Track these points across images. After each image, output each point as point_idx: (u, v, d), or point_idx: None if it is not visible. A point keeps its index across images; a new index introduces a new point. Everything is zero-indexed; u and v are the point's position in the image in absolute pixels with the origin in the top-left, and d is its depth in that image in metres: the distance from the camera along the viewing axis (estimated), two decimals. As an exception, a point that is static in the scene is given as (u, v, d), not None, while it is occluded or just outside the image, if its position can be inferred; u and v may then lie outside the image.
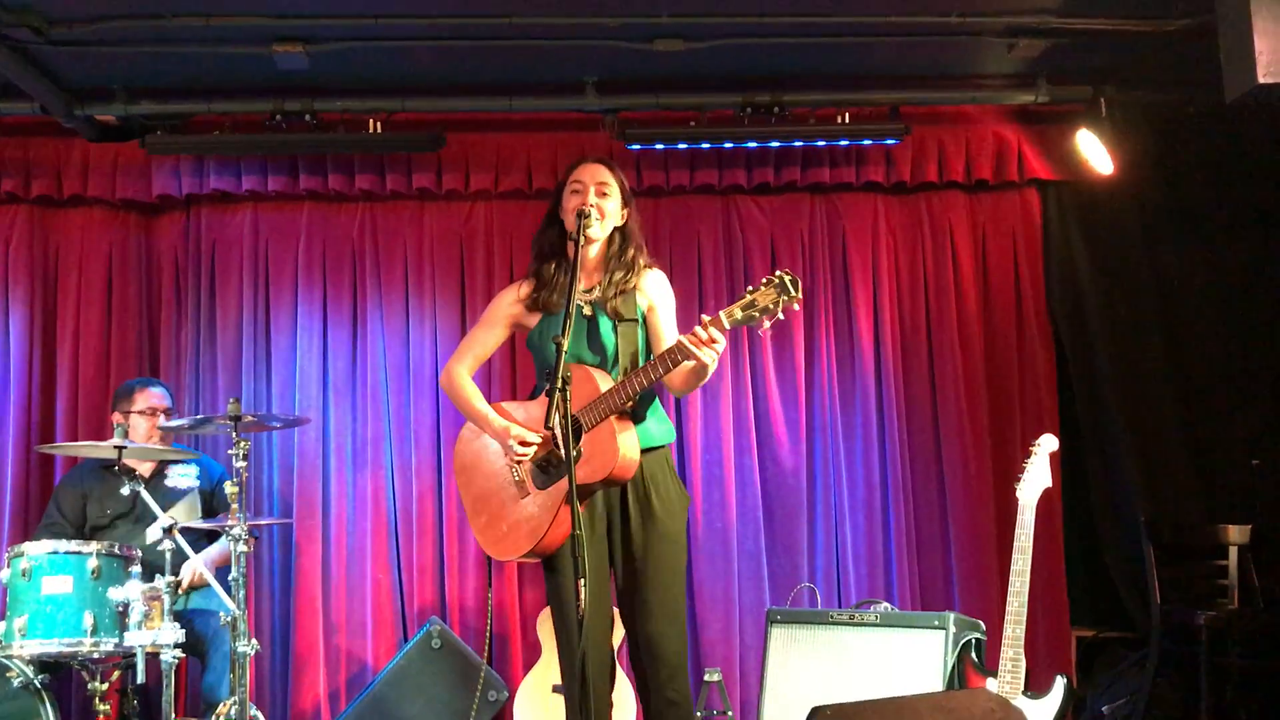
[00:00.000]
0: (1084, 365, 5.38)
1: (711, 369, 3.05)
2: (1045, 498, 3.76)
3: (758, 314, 2.94)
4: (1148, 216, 5.37)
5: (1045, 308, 5.40)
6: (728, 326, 2.97)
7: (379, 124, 4.99)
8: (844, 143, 5.13)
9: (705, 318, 2.98)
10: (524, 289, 3.41)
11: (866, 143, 5.14)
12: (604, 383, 3.15)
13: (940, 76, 5.06)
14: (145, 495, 3.85)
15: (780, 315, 2.93)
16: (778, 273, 2.93)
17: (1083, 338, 5.38)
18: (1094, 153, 5.07)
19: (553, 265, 3.35)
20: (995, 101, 5.18)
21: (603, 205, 3.26)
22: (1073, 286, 5.38)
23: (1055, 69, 4.97)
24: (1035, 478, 3.56)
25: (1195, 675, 4.73)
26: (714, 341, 2.97)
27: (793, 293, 2.91)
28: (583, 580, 2.76)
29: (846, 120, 5.01)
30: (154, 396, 4.52)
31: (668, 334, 3.31)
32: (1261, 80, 3.90)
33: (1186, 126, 5.11)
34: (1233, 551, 4.88)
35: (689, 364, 3.04)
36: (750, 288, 2.97)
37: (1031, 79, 5.02)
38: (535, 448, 3.20)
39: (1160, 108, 5.11)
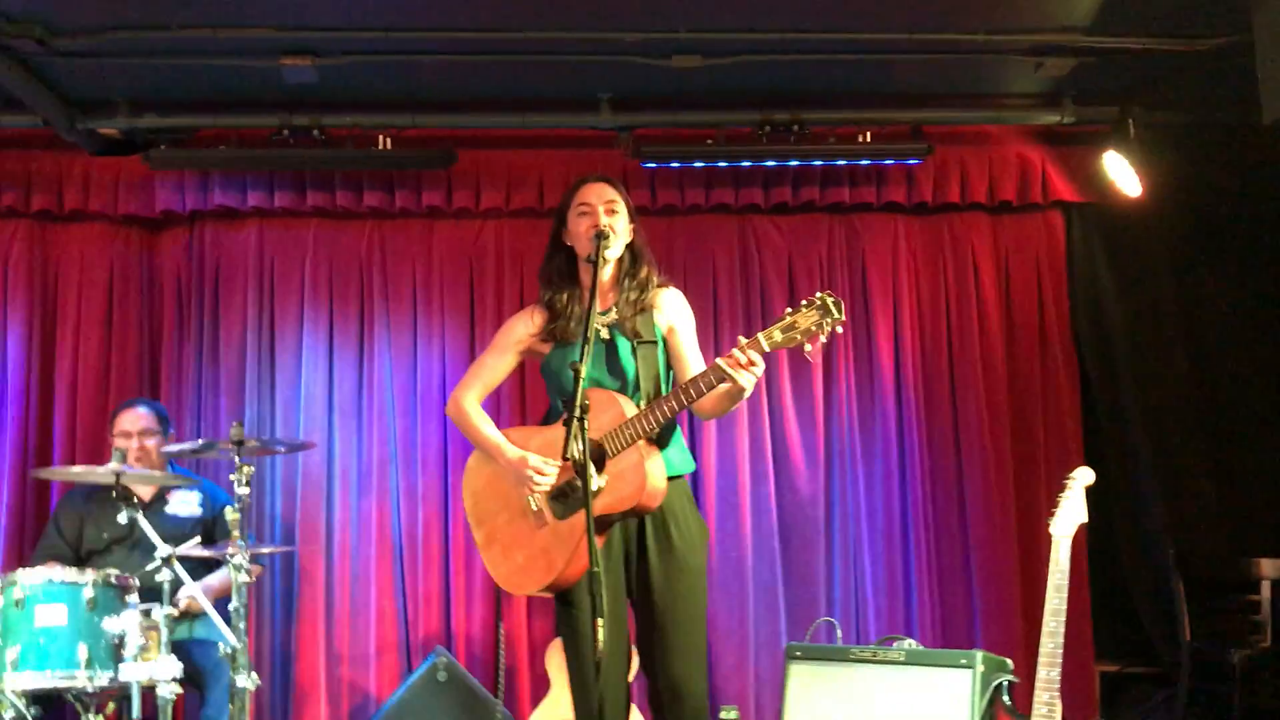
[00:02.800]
0: (1109, 392, 5.25)
1: (748, 393, 2.91)
2: (1073, 529, 3.62)
3: (799, 336, 2.81)
4: (1175, 240, 5.25)
5: (1069, 332, 5.28)
6: (766, 349, 2.83)
7: (388, 140, 4.88)
8: (864, 162, 5.01)
9: (743, 339, 2.85)
10: (537, 319, 3.27)
11: (888, 162, 5.03)
12: (628, 408, 3.02)
13: (964, 95, 4.96)
14: (143, 522, 3.72)
15: (823, 338, 2.81)
16: (819, 294, 2.82)
17: (1108, 363, 5.25)
18: (1121, 174, 4.95)
19: (565, 295, 3.22)
20: (1020, 121, 5.07)
21: (614, 224, 3.14)
22: (1098, 311, 5.26)
23: (1082, 88, 4.86)
24: (1070, 512, 3.41)
25: (1227, 715, 4.60)
26: (753, 364, 2.83)
27: (836, 315, 2.79)
28: (600, 620, 2.63)
29: (867, 139, 4.90)
30: (133, 418, 4.35)
31: (690, 356, 3.18)
32: (1303, 101, 3.79)
33: (1217, 148, 5.00)
34: (1265, 586, 4.76)
35: (723, 387, 2.90)
36: (789, 309, 2.84)
37: (1057, 98, 4.92)
38: (554, 477, 3.06)
39: (1191, 129, 5.00)
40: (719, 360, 2.86)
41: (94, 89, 4.67)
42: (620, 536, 3.10)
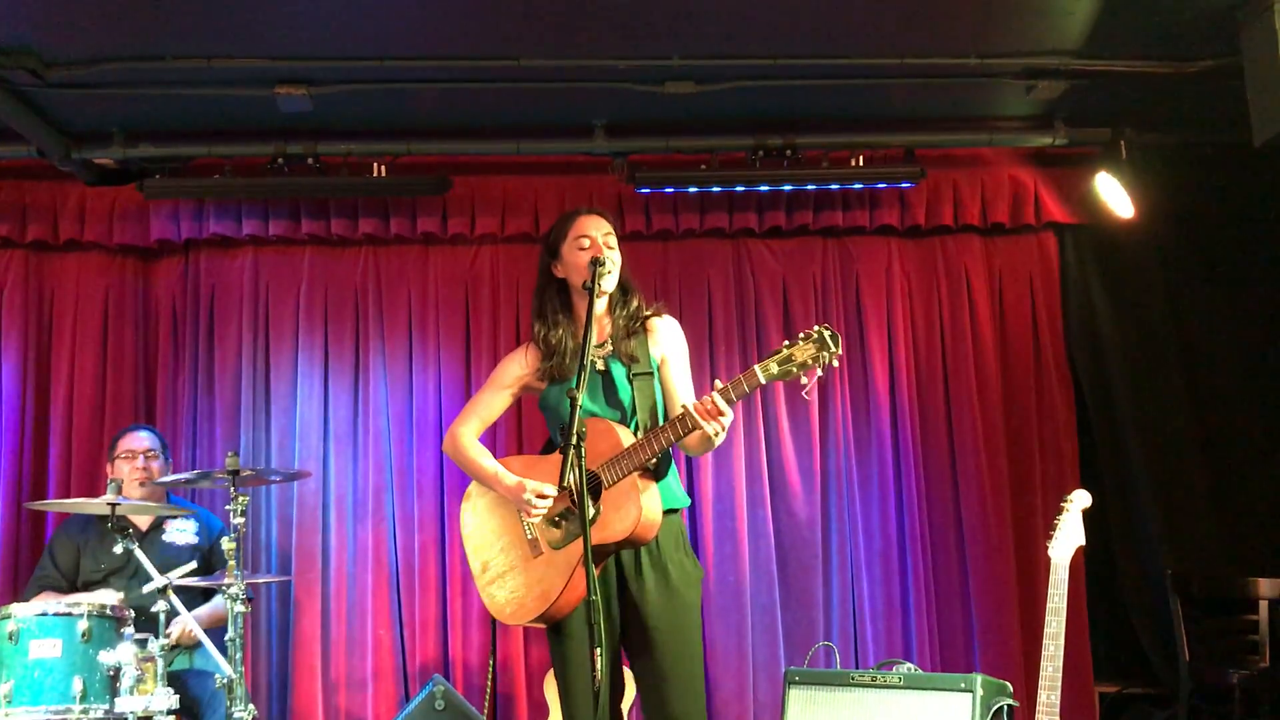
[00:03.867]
0: (1104, 412, 5.25)
1: (718, 440, 2.92)
2: (1070, 551, 3.61)
3: (795, 369, 2.82)
4: (1169, 261, 5.27)
5: (1064, 353, 5.29)
6: (763, 381, 2.84)
7: (383, 167, 4.89)
8: (857, 186, 5.03)
9: (719, 384, 2.87)
10: (531, 358, 3.28)
11: (881, 186, 5.04)
12: (625, 437, 3.02)
13: (956, 119, 4.98)
14: (139, 554, 3.70)
15: (820, 371, 2.81)
16: (816, 328, 2.82)
17: (1103, 384, 5.26)
18: (1113, 196, 4.97)
19: (559, 330, 3.22)
20: (1012, 144, 5.09)
21: (612, 257, 3.15)
22: (1092, 332, 5.27)
23: (1073, 111, 4.88)
24: (1067, 535, 3.42)
25: (1227, 736, 4.59)
26: (720, 414, 2.85)
27: (833, 348, 2.80)
28: (599, 649, 2.62)
29: (861, 163, 4.93)
30: (133, 440, 4.36)
31: (680, 387, 3.19)
32: (1292, 122, 3.81)
33: (1209, 169, 5.02)
34: (1263, 606, 4.75)
35: (696, 433, 2.91)
36: (787, 341, 2.85)
37: (1049, 121, 4.94)
38: (552, 501, 3.05)
39: (1182, 150, 5.02)
40: (687, 406, 2.88)
41: (89, 119, 4.68)
42: (614, 569, 3.09)
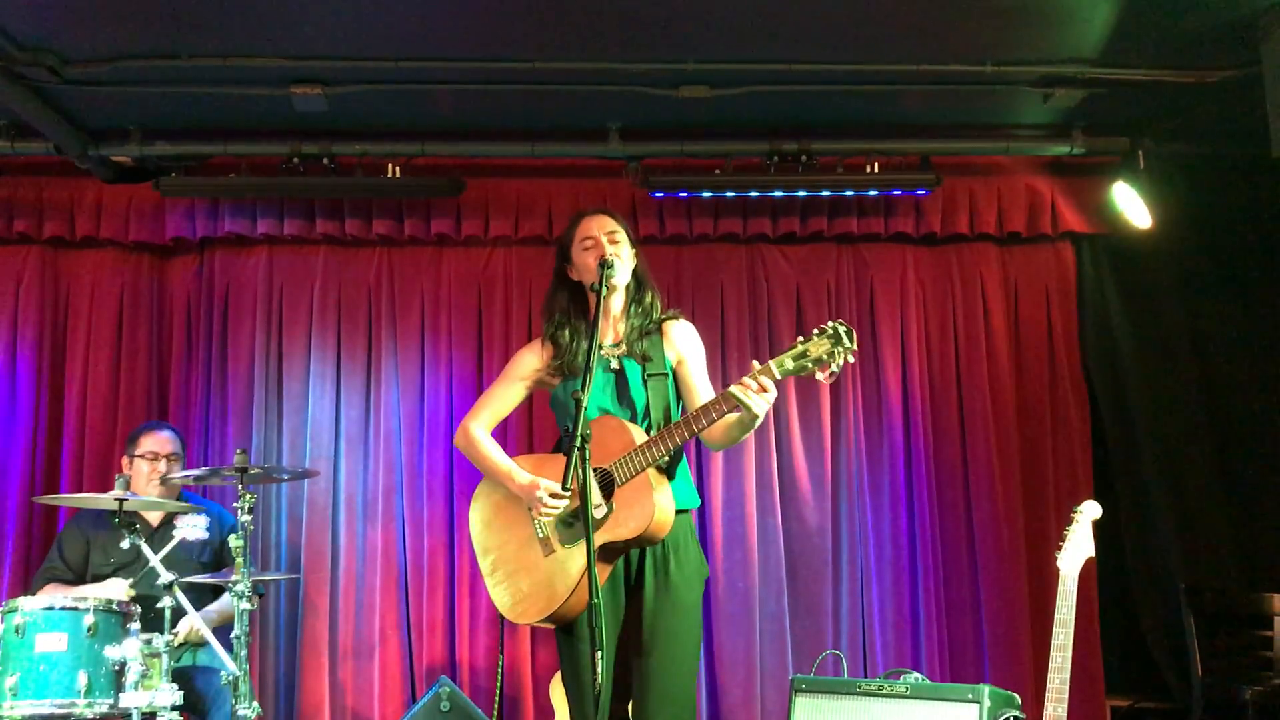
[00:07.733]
0: (1119, 424, 5.21)
1: (759, 420, 2.90)
2: (1082, 562, 3.58)
3: (810, 364, 2.81)
4: (1186, 272, 5.22)
5: (1079, 364, 5.24)
6: (778, 376, 2.83)
7: (397, 168, 4.90)
8: (873, 193, 5.00)
9: (756, 364, 2.85)
10: (546, 351, 3.28)
11: (896, 193, 5.02)
12: (638, 435, 3.01)
13: (972, 126, 4.94)
14: (146, 550, 3.71)
15: (835, 368, 2.80)
16: (831, 323, 2.82)
17: (1118, 396, 5.21)
18: (1131, 206, 4.94)
19: (567, 330, 3.23)
20: (1029, 153, 5.05)
21: (618, 252, 3.16)
22: (1108, 343, 5.23)
23: (1091, 120, 4.84)
24: (1077, 547, 3.38)
25: (1240, 753, 4.53)
26: (765, 390, 2.83)
27: (847, 343, 2.79)
28: (600, 652, 2.61)
29: (876, 170, 4.90)
30: (157, 441, 4.38)
31: (700, 387, 3.19)
32: (1311, 133, 3.78)
33: (1227, 180, 4.98)
34: (1278, 622, 4.70)
35: (734, 415, 2.89)
36: (801, 337, 2.85)
37: (1066, 130, 4.90)
38: (566, 502, 3.04)
39: (1201, 160, 4.98)
40: (732, 387, 2.86)
41: (106, 117, 4.71)
42: (620, 568, 3.08)
